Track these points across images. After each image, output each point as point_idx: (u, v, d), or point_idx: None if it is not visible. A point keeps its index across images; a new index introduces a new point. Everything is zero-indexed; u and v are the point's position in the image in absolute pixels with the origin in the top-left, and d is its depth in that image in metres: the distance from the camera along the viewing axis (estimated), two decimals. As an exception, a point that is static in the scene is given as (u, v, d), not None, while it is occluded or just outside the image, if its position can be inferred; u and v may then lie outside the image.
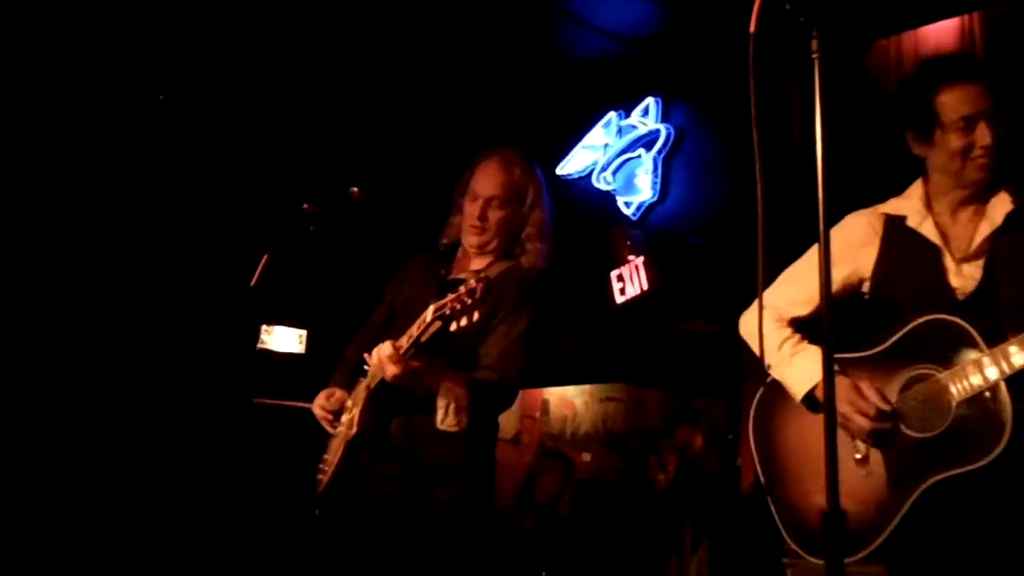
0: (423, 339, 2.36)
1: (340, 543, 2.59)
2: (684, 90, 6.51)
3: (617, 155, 6.73)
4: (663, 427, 7.82)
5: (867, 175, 3.23)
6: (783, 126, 5.28)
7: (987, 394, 2.00)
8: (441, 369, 2.48)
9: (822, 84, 1.62)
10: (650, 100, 6.63)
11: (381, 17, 5.62)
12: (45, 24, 5.20)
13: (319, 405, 2.76)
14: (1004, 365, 1.97)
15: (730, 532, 5.60)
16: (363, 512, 2.58)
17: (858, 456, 2.16)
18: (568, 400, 8.89)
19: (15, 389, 5.18)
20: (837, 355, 2.19)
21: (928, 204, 2.28)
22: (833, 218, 1.67)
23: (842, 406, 2.10)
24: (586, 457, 8.50)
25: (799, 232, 2.13)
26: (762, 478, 2.33)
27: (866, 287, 2.33)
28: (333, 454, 2.70)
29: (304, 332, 7.00)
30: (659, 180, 6.46)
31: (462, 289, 2.24)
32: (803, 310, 2.37)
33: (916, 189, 2.33)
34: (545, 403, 8.82)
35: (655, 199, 6.47)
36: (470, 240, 2.77)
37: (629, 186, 6.62)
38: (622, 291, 6.34)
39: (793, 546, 2.21)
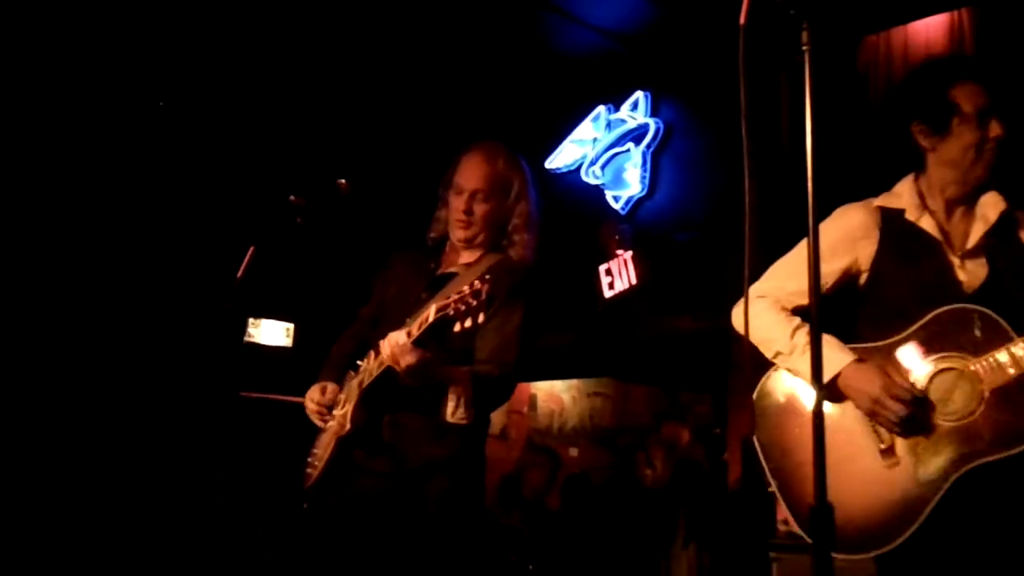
0: (421, 334, 2.35)
1: (329, 538, 2.59)
2: (673, 85, 6.51)
3: (606, 149, 6.73)
4: (650, 422, 7.85)
5: (856, 170, 3.23)
6: (772, 122, 5.29)
7: (1020, 381, 2.01)
8: (446, 362, 2.47)
9: (812, 78, 1.62)
10: (639, 94, 6.63)
11: (370, 10, 5.60)
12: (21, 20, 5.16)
13: (312, 399, 2.74)
14: None
15: (718, 526, 5.61)
16: (353, 507, 2.57)
17: (882, 446, 2.13)
18: (556, 395, 8.90)
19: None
20: (851, 345, 2.20)
21: (923, 200, 2.28)
22: (822, 213, 1.66)
23: (875, 392, 2.09)
24: (573, 452, 8.51)
25: (787, 227, 2.12)
26: (770, 476, 2.28)
27: (863, 279, 2.31)
28: (323, 449, 2.68)
29: (291, 326, 6.97)
30: (648, 175, 6.47)
31: (466, 289, 2.21)
32: (805, 299, 2.35)
33: (907, 186, 2.33)
34: (533, 398, 8.82)
35: (644, 194, 6.48)
36: (457, 234, 2.75)
37: (618, 180, 6.62)
38: (610, 285, 6.34)
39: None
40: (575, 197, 6.84)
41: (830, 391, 2.18)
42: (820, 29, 1.63)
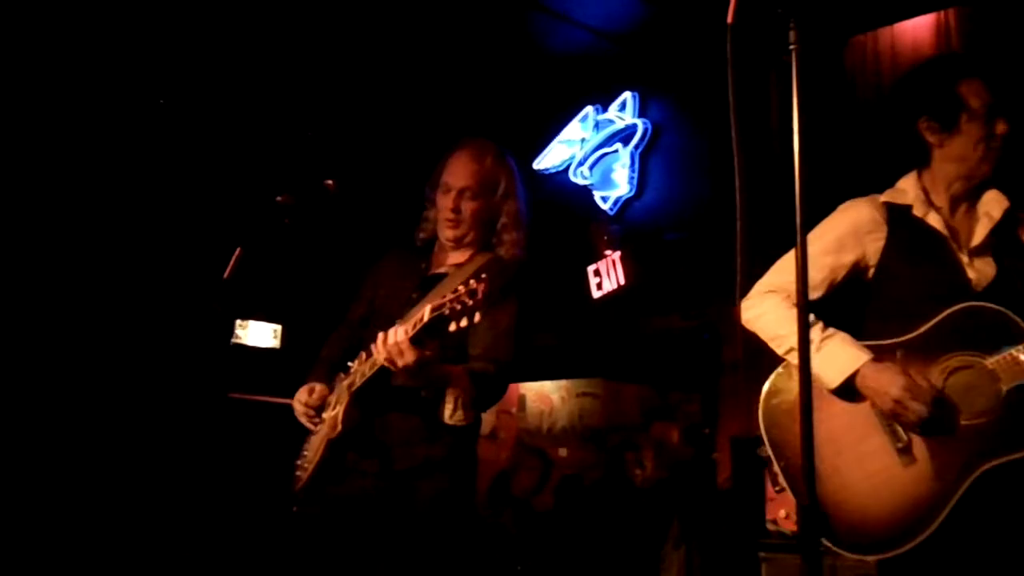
0: (416, 333, 2.32)
1: (320, 540, 2.57)
2: (661, 85, 6.52)
3: (594, 150, 6.74)
4: (640, 422, 7.84)
5: (844, 168, 3.23)
6: (761, 121, 5.30)
7: None
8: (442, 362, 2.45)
9: (799, 77, 1.61)
10: (627, 95, 6.64)
11: (358, 10, 5.59)
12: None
13: (300, 401, 2.71)
14: None
15: (707, 525, 5.61)
16: (345, 509, 2.56)
17: (899, 445, 2.12)
18: (545, 395, 8.89)
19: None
20: (863, 342, 2.19)
21: (927, 196, 2.28)
22: (810, 212, 1.65)
23: (896, 392, 2.07)
24: (563, 452, 8.49)
25: (777, 226, 2.12)
26: (780, 475, 2.25)
27: (871, 274, 2.31)
28: (313, 452, 2.66)
29: (279, 327, 6.94)
30: (636, 175, 6.48)
31: (461, 288, 2.17)
32: (814, 294, 2.31)
33: (910, 182, 2.32)
34: (522, 398, 8.81)
35: (632, 194, 6.48)
36: (446, 233, 2.74)
37: (606, 181, 6.63)
38: (599, 286, 6.35)
39: (832, 547, 2.09)
40: (563, 198, 6.84)
41: (846, 389, 2.17)
42: (807, 29, 1.63)
